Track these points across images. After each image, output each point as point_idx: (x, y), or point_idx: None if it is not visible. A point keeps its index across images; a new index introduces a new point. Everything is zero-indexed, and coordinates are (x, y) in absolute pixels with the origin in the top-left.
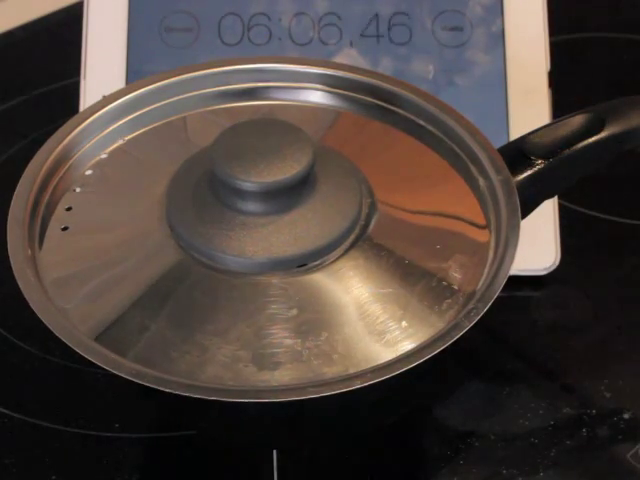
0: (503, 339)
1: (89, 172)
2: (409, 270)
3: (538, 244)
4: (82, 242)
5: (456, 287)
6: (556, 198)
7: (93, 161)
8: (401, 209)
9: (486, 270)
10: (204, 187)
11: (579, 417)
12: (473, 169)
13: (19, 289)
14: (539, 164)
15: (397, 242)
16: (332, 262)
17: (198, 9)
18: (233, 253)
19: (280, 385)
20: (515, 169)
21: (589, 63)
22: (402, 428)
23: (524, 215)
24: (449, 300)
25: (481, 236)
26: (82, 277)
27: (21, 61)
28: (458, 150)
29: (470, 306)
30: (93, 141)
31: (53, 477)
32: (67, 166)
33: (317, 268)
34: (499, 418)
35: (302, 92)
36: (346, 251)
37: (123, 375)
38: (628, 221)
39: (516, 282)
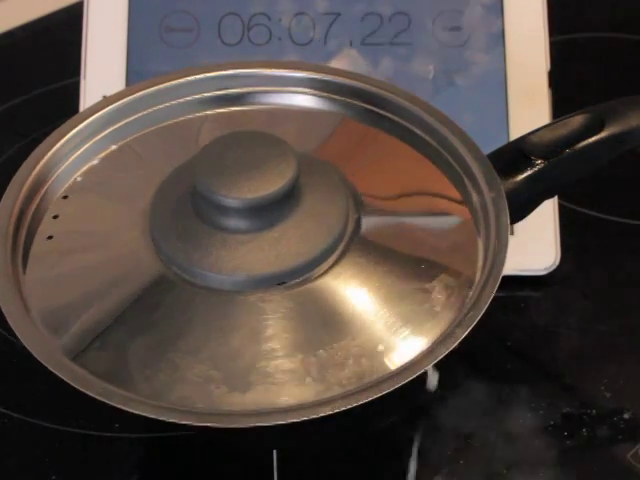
0: (503, 339)
1: (79, 179)
2: (392, 290)
3: (538, 244)
4: (65, 252)
5: (439, 309)
6: (556, 198)
7: (84, 168)
8: (390, 225)
9: (470, 292)
10: (187, 201)
11: (579, 417)
12: (467, 182)
13: None
14: (539, 164)
15: (382, 260)
16: (313, 280)
17: (198, 9)
18: (211, 269)
19: (243, 411)
20: (515, 169)
21: (589, 63)
22: (402, 428)
23: (524, 215)
24: (431, 323)
25: (471, 255)
26: (63, 289)
27: (21, 61)
28: (452, 161)
29: (449, 330)
30: (84, 147)
31: (53, 477)
32: (57, 173)
33: (297, 286)
34: (499, 418)
35: (293, 97)
36: (328, 269)
37: (91, 394)
38: (628, 221)
39: (516, 282)
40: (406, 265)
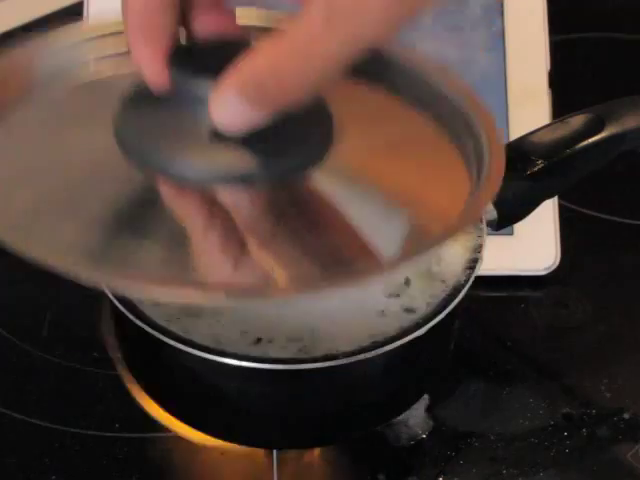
0: (503, 339)
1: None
2: (369, 205)
3: (538, 244)
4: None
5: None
6: (556, 198)
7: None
8: (377, 150)
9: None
10: (158, 100)
11: (579, 417)
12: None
13: (19, 290)
14: (539, 164)
15: (364, 175)
16: (285, 183)
17: None
18: (181, 157)
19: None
20: (515, 169)
21: (589, 63)
22: (402, 428)
23: (525, 215)
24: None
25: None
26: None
27: None
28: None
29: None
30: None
31: (53, 477)
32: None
33: (269, 187)
34: (499, 418)
35: None
36: (300, 177)
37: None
38: (628, 221)
39: (516, 282)
40: (388, 185)
